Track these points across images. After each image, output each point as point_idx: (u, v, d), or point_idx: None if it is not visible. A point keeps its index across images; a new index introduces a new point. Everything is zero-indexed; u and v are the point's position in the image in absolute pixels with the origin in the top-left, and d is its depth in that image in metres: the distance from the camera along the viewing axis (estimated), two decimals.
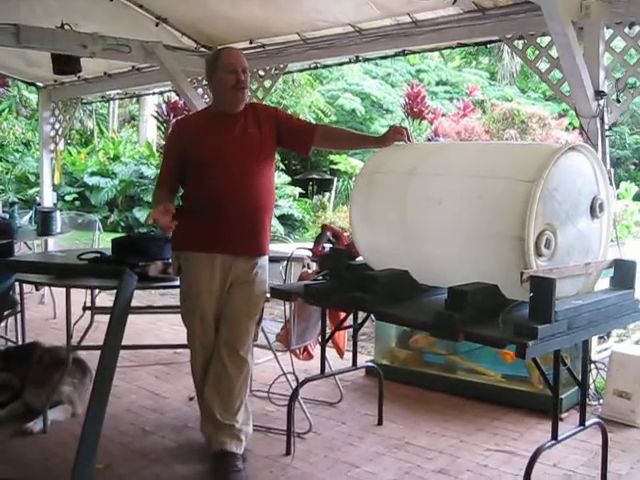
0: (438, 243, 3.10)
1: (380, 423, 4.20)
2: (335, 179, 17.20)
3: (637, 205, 11.59)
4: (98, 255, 4.35)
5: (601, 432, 3.27)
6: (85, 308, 4.99)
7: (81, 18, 5.84)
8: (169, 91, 9.09)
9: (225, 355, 3.44)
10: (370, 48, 5.77)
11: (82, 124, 20.66)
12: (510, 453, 3.77)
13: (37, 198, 9.97)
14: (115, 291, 3.09)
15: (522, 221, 2.69)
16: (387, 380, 4.33)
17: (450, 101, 19.93)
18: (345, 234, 4.38)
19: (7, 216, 6.75)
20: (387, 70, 21.76)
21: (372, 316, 4.05)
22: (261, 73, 6.41)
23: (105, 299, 5.61)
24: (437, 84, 21.88)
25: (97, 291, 5.07)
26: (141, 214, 15.27)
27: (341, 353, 4.55)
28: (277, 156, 3.49)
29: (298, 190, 16.40)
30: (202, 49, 6.53)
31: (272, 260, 3.77)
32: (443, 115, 16.66)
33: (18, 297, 5.00)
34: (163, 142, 17.65)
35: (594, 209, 2.99)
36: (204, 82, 6.92)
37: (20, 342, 5.21)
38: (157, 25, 6.23)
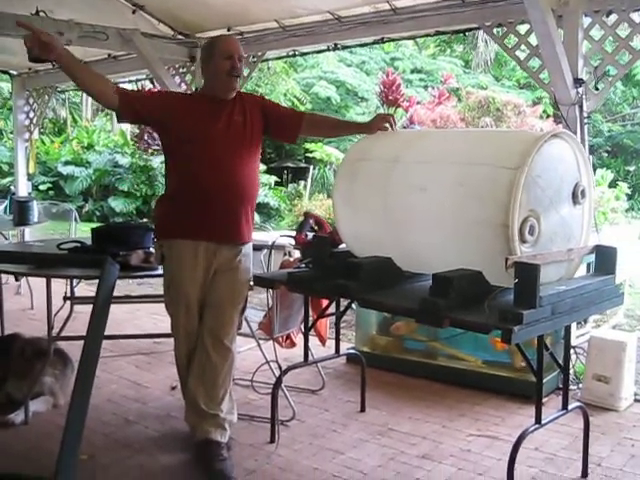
0: (422, 230, 3.11)
1: (363, 410, 4.22)
2: (311, 167, 17.18)
3: (613, 192, 11.71)
4: (78, 245, 4.31)
5: (582, 416, 3.32)
6: (66, 298, 4.95)
7: (56, 5, 5.75)
8: (144, 79, 9.01)
9: (209, 344, 3.43)
10: (349, 36, 5.77)
11: (55, 113, 20.44)
12: (492, 438, 3.81)
13: (12, 188, 9.87)
14: (96, 281, 3.09)
15: (506, 208, 2.71)
16: (368, 367, 4.35)
17: (425, 89, 19.92)
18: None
19: None
20: (362, 58, 21.71)
21: (353, 304, 4.08)
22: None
23: (84, 289, 5.57)
24: (412, 72, 21.86)
25: (76, 281, 5.03)
26: (116, 203, 15.18)
27: (323, 341, 4.56)
28: None
29: (274, 178, 16.36)
30: (179, 36, 6.50)
31: (254, 248, 3.76)
32: (418, 103, 16.61)
33: None
34: (137, 131, 17.50)
35: (576, 195, 3.02)
36: (181, 70, 6.88)
37: None
38: (134, 12, 6.17)
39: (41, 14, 5.55)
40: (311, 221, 4.15)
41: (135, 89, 3.78)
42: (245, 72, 6.45)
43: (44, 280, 4.09)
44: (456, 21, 5.10)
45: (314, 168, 17.03)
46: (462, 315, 2.70)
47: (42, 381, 4.10)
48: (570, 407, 3.21)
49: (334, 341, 4.20)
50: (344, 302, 4.04)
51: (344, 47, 6.51)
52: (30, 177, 9.56)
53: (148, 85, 15.65)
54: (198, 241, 3.39)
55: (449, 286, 2.74)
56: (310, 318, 3.99)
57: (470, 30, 5.51)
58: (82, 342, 2.86)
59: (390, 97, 16.60)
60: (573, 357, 4.51)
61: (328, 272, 3.35)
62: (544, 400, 4.09)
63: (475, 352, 4.65)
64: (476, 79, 20.87)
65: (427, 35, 6.10)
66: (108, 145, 17.57)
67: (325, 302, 4.03)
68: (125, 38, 6.00)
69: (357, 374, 4.42)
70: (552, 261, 2.87)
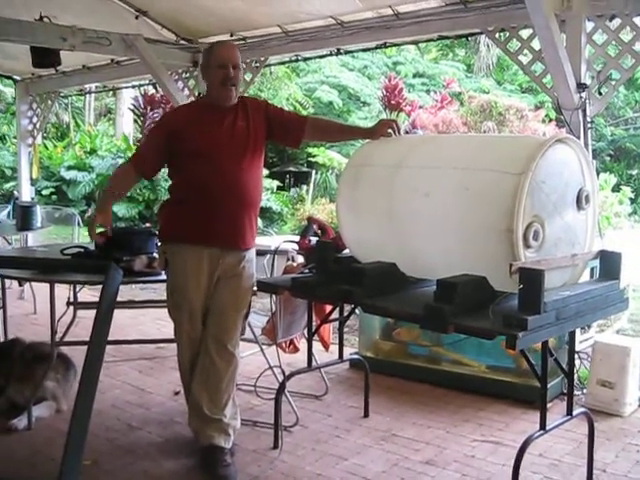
0: (426, 235, 3.11)
1: (366, 415, 4.21)
2: (313, 172, 17.17)
3: (616, 196, 11.68)
4: (81, 250, 4.31)
5: (587, 421, 3.30)
6: (69, 303, 4.95)
7: (60, 10, 5.78)
8: (147, 84, 9.03)
9: (213, 349, 3.43)
10: (351, 41, 5.77)
11: (58, 117, 20.46)
12: (496, 443, 3.80)
13: (15, 192, 9.88)
14: (99, 286, 3.08)
15: (510, 213, 2.70)
16: (372, 373, 4.34)
17: (427, 93, 19.96)
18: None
19: None
20: (364, 62, 21.74)
21: (357, 309, 4.07)
22: (242, 66, 6.37)
23: (87, 294, 5.57)
24: (414, 76, 21.88)
25: (79, 286, 5.03)
26: (119, 208, 15.14)
27: (327, 346, 4.55)
28: None
29: (276, 183, 16.36)
30: (182, 42, 6.51)
31: (257, 253, 3.76)
32: (420, 107, 16.64)
33: (0, 293, 4.96)
34: (140, 135, 17.53)
35: (580, 201, 3.01)
36: (184, 75, 6.89)
37: (2, 338, 5.16)
38: (137, 18, 6.19)
39: (45, 20, 5.58)
40: (315, 226, 4.14)
41: (142, 140, 3.84)
42: (248, 77, 6.47)
43: (47, 285, 4.09)
44: (459, 26, 5.10)
45: (316, 172, 17.02)
46: (467, 321, 2.69)
47: (45, 386, 4.10)
48: (575, 413, 3.19)
49: (337, 346, 4.19)
50: (348, 307, 4.03)
51: (346, 52, 6.53)
52: (33, 182, 9.56)
53: (151, 90, 15.79)
54: (202, 247, 3.38)
55: (453, 292, 2.73)
56: (313, 323, 3.99)
57: (473, 35, 5.53)
58: (85, 347, 2.87)
59: (392, 101, 16.61)
60: (577, 362, 4.49)
61: (332, 277, 3.34)
62: (548, 405, 4.09)
63: (479, 357, 4.64)
64: (478, 83, 20.90)
65: (430, 40, 6.12)
66: (111, 150, 17.57)
67: (329, 307, 4.02)
68: (128, 43, 6.00)
69: (360, 379, 4.42)
70: (556, 266, 2.87)
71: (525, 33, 4.87)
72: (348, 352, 4.94)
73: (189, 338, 3.48)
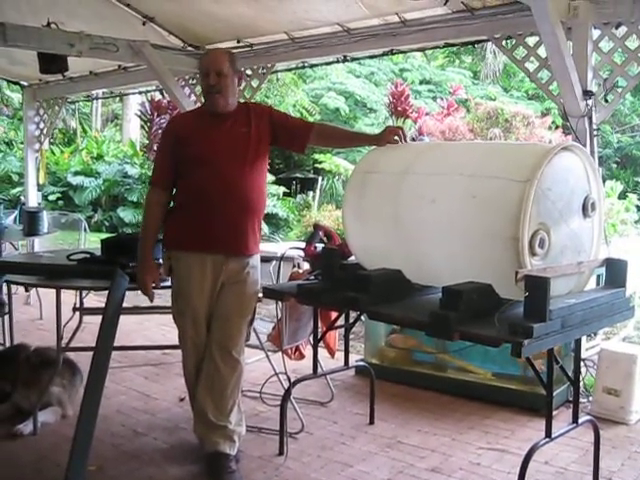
0: (431, 242, 3.11)
1: (372, 422, 4.21)
2: (319, 178, 17.18)
3: (623, 204, 11.65)
4: (88, 256, 4.31)
5: (593, 429, 3.29)
6: (75, 309, 4.95)
7: (67, 16, 5.80)
8: (154, 90, 9.05)
9: (217, 356, 3.43)
10: (358, 48, 5.78)
11: (65, 123, 20.50)
12: (502, 451, 3.79)
13: (22, 198, 9.90)
14: (106, 292, 3.09)
15: (516, 221, 2.70)
16: (377, 379, 4.33)
17: (434, 100, 19.95)
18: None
19: None
20: (371, 69, 21.75)
21: (362, 316, 4.07)
22: (248, 72, 6.40)
23: (93, 300, 5.58)
24: (420, 83, 21.88)
25: (85, 292, 5.04)
26: (125, 214, 15.20)
27: (332, 353, 4.55)
28: None
29: (282, 189, 16.37)
30: (189, 48, 6.52)
31: (262, 260, 3.76)
32: (427, 114, 16.65)
33: (6, 298, 4.97)
34: (147, 141, 17.58)
35: (586, 208, 3.01)
36: (191, 81, 6.92)
37: (8, 343, 5.17)
38: (144, 24, 6.20)
39: (52, 26, 5.60)
40: (320, 233, 4.14)
41: (155, 158, 3.82)
42: (254, 83, 6.48)
43: (53, 290, 4.10)
44: (465, 33, 5.10)
45: (322, 179, 17.03)
46: (472, 328, 2.70)
47: (50, 391, 4.11)
48: (580, 421, 3.18)
49: (343, 353, 4.18)
50: (353, 314, 4.03)
51: (353, 59, 6.53)
52: (40, 187, 9.60)
53: (158, 96, 15.84)
54: (205, 253, 3.39)
55: (459, 299, 2.74)
56: (319, 330, 3.98)
57: (479, 42, 5.53)
58: (91, 353, 2.88)
59: (399, 108, 16.63)
60: (583, 370, 4.49)
61: (337, 284, 3.35)
62: (554, 413, 4.08)
63: (484, 365, 4.63)
64: (485, 90, 20.88)
65: (436, 47, 6.13)
66: (117, 155, 17.60)
67: (334, 314, 4.02)
68: (135, 50, 6.02)
69: (366, 386, 4.41)
70: (562, 274, 2.86)
71: (531, 40, 4.87)
72: (354, 359, 4.93)
73: (193, 344, 3.48)
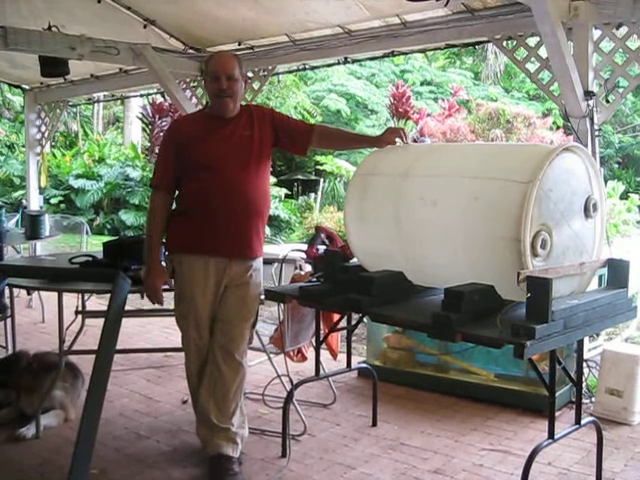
0: (433, 244, 3.11)
1: (374, 424, 4.20)
2: (321, 180, 17.19)
3: (624, 204, 11.63)
4: (90, 259, 4.31)
5: (596, 430, 3.29)
6: (77, 312, 4.95)
7: (67, 20, 5.81)
8: (155, 93, 9.06)
9: (220, 358, 3.43)
10: (359, 49, 5.77)
11: (66, 126, 20.55)
12: (505, 452, 3.79)
13: (23, 201, 9.91)
14: (108, 295, 3.09)
15: (518, 222, 2.71)
16: (380, 381, 4.33)
17: (435, 101, 19.95)
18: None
19: None
20: (372, 71, 21.77)
21: (365, 318, 4.07)
22: (250, 75, 6.39)
23: (95, 303, 5.58)
24: (422, 84, 21.90)
25: (87, 295, 5.04)
26: (127, 216, 15.20)
27: (334, 355, 4.55)
28: None
29: (284, 191, 16.37)
30: (190, 51, 6.52)
31: (264, 262, 3.76)
32: (428, 115, 16.62)
33: (8, 301, 4.97)
34: (148, 144, 17.61)
35: (588, 209, 3.01)
36: (192, 84, 6.92)
37: (10, 347, 5.17)
38: (145, 27, 6.22)
39: (53, 29, 5.61)
40: (322, 235, 4.15)
41: (156, 161, 3.80)
42: (256, 86, 6.49)
43: (55, 294, 4.10)
44: (466, 34, 5.09)
45: (324, 180, 17.03)
46: (474, 330, 2.70)
47: (53, 395, 4.10)
48: (583, 422, 3.18)
49: (345, 355, 4.19)
50: (355, 316, 4.03)
51: (354, 60, 6.53)
52: (42, 190, 9.61)
53: (159, 99, 15.87)
54: (209, 256, 3.39)
55: (461, 300, 2.74)
56: (321, 332, 3.98)
57: (480, 43, 5.52)
58: (93, 356, 2.88)
59: (400, 109, 16.64)
60: (585, 371, 4.48)
61: (339, 286, 3.35)
62: (557, 414, 4.08)
63: (487, 366, 4.62)
64: (486, 91, 20.89)
65: (437, 48, 6.11)
66: (119, 158, 17.62)
67: (336, 316, 4.02)
68: (136, 53, 6.02)
69: (369, 388, 4.41)
70: (564, 275, 2.86)
71: (532, 41, 4.87)
72: (356, 361, 4.94)
73: (196, 347, 3.48)
